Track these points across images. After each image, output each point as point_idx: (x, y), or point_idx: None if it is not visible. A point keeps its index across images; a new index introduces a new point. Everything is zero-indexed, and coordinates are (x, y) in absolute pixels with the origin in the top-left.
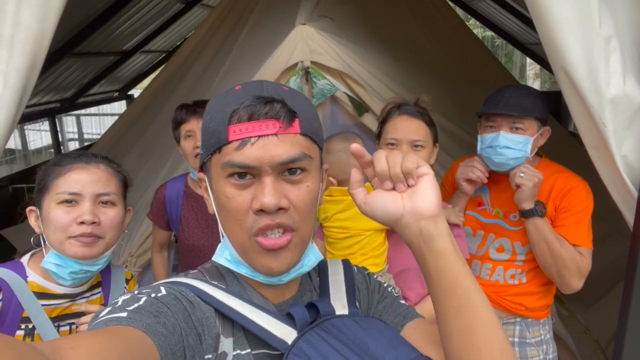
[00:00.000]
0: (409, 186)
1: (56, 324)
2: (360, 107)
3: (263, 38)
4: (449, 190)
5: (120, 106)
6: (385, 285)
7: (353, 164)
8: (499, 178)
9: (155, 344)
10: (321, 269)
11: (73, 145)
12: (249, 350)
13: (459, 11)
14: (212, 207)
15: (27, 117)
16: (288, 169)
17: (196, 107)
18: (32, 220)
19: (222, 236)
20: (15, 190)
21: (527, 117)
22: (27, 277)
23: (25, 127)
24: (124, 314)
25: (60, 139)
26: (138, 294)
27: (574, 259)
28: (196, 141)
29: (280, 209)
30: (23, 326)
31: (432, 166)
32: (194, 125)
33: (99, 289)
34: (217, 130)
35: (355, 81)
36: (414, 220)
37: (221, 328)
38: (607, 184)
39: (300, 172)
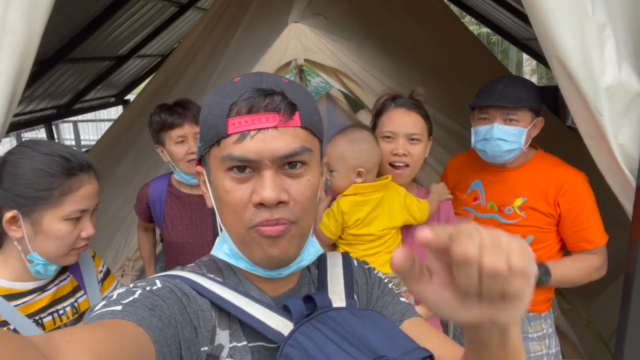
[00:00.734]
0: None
1: (37, 317)
2: (355, 104)
3: (257, 37)
4: None
5: (117, 111)
6: (386, 281)
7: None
8: (492, 171)
9: (150, 337)
10: (320, 262)
11: None
12: (245, 343)
13: (454, 8)
14: (211, 201)
15: (23, 124)
16: (288, 163)
17: (186, 111)
18: (11, 224)
19: (221, 230)
20: None
21: (520, 109)
22: None
23: (22, 134)
24: (119, 307)
25: None
26: (133, 287)
27: (590, 274)
28: (190, 147)
29: (280, 202)
30: (5, 329)
31: (426, 160)
32: (186, 131)
33: (67, 274)
34: (216, 124)
35: (349, 78)
36: (492, 325)
37: (217, 320)
38: (605, 174)
39: (300, 165)
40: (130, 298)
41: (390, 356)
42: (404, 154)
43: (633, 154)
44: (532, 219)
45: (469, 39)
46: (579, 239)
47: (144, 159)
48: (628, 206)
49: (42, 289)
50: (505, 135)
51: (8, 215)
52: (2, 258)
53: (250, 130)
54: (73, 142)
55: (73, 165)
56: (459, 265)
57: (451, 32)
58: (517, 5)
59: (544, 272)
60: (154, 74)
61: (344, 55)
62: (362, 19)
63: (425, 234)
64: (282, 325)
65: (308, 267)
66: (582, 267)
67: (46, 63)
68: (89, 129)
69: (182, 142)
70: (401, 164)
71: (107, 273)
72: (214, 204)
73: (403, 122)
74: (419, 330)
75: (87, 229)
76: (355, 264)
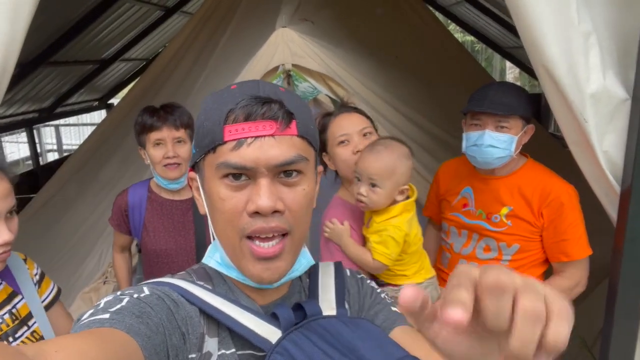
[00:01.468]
0: None
1: None
2: None
3: (244, 42)
4: (434, 202)
5: (100, 115)
6: (378, 291)
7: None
8: (482, 179)
9: (139, 344)
10: (312, 271)
11: (52, 156)
12: (233, 350)
13: (439, 16)
14: (204, 208)
15: (4, 127)
16: (284, 171)
17: (167, 115)
18: None
19: (213, 238)
20: None
21: (512, 116)
22: None
23: (2, 138)
24: (107, 316)
25: (38, 150)
26: (120, 295)
27: (565, 295)
28: (167, 151)
29: (276, 211)
30: None
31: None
32: (165, 135)
33: None
34: (212, 130)
35: (336, 83)
36: None
37: (206, 328)
38: (590, 180)
39: (296, 174)
40: (118, 306)
41: None
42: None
43: (617, 161)
44: (517, 227)
45: (454, 46)
46: (556, 250)
47: (128, 164)
48: (612, 212)
49: None
50: (496, 142)
51: None
52: None
53: (247, 137)
54: (55, 147)
55: None
56: (490, 295)
57: (437, 39)
58: (502, 14)
59: None
60: (139, 78)
61: (331, 61)
62: (348, 25)
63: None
64: (269, 332)
65: (300, 277)
66: (569, 287)
67: (28, 66)
68: (71, 133)
69: (159, 144)
70: None
71: (43, 275)
72: (207, 211)
73: (351, 122)
74: (409, 339)
75: (3, 234)
76: (348, 273)
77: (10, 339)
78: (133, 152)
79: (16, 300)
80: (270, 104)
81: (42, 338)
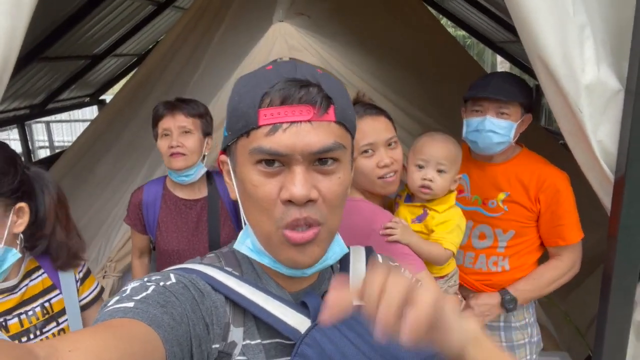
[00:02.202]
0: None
1: (1, 319)
2: None
3: (240, 36)
4: None
5: (92, 112)
6: (413, 281)
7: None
8: (478, 165)
9: (161, 337)
10: (343, 256)
11: (44, 153)
12: (259, 341)
13: (431, 11)
14: (235, 193)
15: None
16: (319, 159)
17: (178, 104)
18: None
19: (245, 224)
20: None
21: (512, 103)
22: None
23: None
24: (131, 304)
25: (30, 147)
26: (147, 281)
27: (559, 279)
28: (172, 140)
29: (309, 201)
30: None
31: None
32: (170, 124)
33: (39, 272)
34: (247, 113)
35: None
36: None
37: (231, 317)
38: (584, 169)
39: (332, 162)
40: (143, 294)
41: None
42: (391, 162)
43: (611, 150)
44: (514, 213)
45: (447, 40)
46: (554, 234)
47: (124, 159)
48: (606, 201)
49: (10, 291)
50: (496, 128)
51: None
52: None
53: (282, 122)
54: (47, 143)
55: None
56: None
57: (431, 33)
58: (493, 8)
59: (508, 299)
60: (133, 73)
61: (328, 54)
62: (344, 19)
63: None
64: (299, 322)
65: None
66: (547, 279)
67: (19, 61)
68: (62, 130)
69: (166, 135)
70: (391, 174)
71: (88, 273)
72: (237, 197)
73: (377, 129)
74: None
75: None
76: (380, 259)
77: (38, 332)
78: (128, 148)
79: (53, 294)
80: (309, 88)
81: None
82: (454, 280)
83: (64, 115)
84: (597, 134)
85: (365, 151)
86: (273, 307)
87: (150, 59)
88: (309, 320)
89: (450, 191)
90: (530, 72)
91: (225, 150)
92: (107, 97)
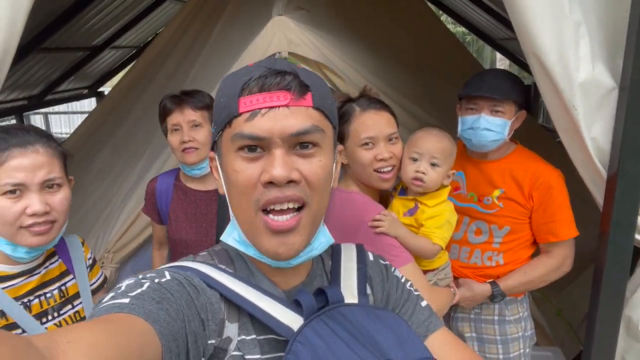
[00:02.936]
0: None
1: (25, 299)
2: None
3: (239, 30)
4: None
5: (90, 104)
6: (403, 281)
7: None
8: (474, 163)
9: (157, 332)
10: (334, 253)
11: None
12: (254, 336)
13: (431, 7)
14: (222, 188)
15: None
16: (300, 143)
17: (185, 97)
18: None
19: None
20: None
21: (506, 101)
22: None
23: None
24: (126, 300)
25: None
26: (142, 279)
27: (548, 275)
28: (183, 135)
29: (291, 181)
30: None
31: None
32: (179, 119)
33: (56, 257)
34: (228, 104)
35: (332, 72)
36: None
37: (226, 313)
38: (578, 166)
39: (312, 146)
40: (139, 290)
41: None
42: (390, 157)
43: (604, 147)
44: (509, 209)
45: (447, 37)
46: (545, 231)
47: (122, 152)
48: (599, 197)
49: (30, 272)
50: (491, 126)
51: None
52: None
53: (261, 108)
54: None
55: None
56: None
57: (430, 29)
58: (493, 5)
59: (496, 290)
60: (131, 66)
61: (327, 49)
62: (343, 14)
63: None
64: (291, 319)
65: (321, 258)
66: (538, 273)
67: (18, 52)
68: (60, 121)
69: (176, 130)
70: (388, 168)
71: (94, 262)
72: (225, 191)
73: (379, 123)
74: (447, 348)
75: (34, 204)
76: (371, 258)
77: (55, 314)
78: (126, 140)
79: (67, 278)
80: (285, 75)
81: (83, 319)
82: (444, 274)
83: (62, 107)
84: (591, 132)
85: (366, 144)
86: (266, 305)
87: (149, 51)
88: (301, 318)
89: (444, 186)
90: (529, 70)
91: (213, 147)
92: (106, 89)
